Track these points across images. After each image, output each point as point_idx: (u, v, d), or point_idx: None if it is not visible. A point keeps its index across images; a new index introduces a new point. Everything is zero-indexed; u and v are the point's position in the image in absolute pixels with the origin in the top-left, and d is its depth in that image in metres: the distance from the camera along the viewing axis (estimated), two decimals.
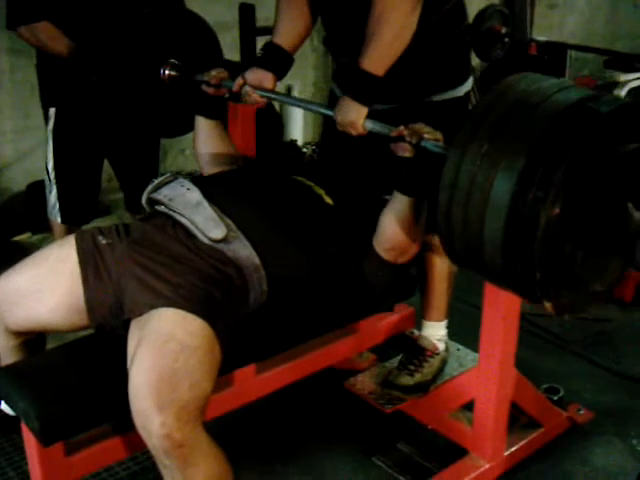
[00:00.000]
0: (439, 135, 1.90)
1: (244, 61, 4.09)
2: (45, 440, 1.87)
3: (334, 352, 2.41)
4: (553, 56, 5.01)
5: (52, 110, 2.99)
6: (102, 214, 3.85)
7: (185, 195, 2.09)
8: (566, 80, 1.62)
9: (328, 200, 2.21)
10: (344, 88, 2.21)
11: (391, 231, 2.05)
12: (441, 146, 1.86)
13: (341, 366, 2.69)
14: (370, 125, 2.09)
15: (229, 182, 2.28)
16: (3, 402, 2.38)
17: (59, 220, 3.09)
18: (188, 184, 2.13)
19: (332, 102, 2.38)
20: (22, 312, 2.09)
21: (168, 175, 2.18)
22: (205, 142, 2.47)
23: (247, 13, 4.02)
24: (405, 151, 1.94)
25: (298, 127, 4.96)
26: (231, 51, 4.21)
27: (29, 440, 1.95)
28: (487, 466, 2.38)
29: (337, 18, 2.34)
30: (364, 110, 2.10)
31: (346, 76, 2.25)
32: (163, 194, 2.11)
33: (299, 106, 2.24)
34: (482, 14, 4.60)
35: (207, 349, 1.83)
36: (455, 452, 2.43)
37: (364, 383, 2.57)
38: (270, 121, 2.50)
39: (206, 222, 2.01)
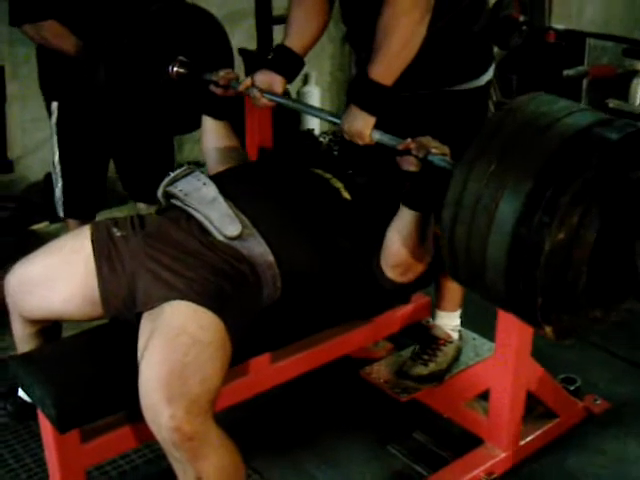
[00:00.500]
0: (446, 150, 1.87)
1: (260, 50, 4.08)
2: (61, 427, 1.88)
3: (350, 341, 2.41)
4: (571, 44, 4.96)
5: (55, 104, 2.96)
6: (118, 203, 3.85)
7: (201, 190, 2.08)
8: (577, 104, 1.58)
9: (346, 194, 2.19)
10: (352, 96, 2.17)
11: (397, 247, 1.99)
12: (448, 161, 1.82)
13: (357, 355, 2.69)
14: (377, 136, 2.05)
15: (245, 177, 2.27)
16: (20, 389, 2.40)
17: (62, 214, 3.08)
18: (204, 178, 2.12)
19: None
20: (36, 301, 2.10)
21: (185, 168, 2.17)
22: (212, 142, 2.45)
23: (263, 1, 4.01)
24: (411, 165, 1.91)
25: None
26: (248, 40, 4.23)
27: (45, 427, 1.96)
28: (502, 455, 2.37)
29: (357, 14, 2.32)
30: (372, 120, 2.07)
31: (354, 84, 2.22)
32: (179, 188, 2.10)
33: (308, 113, 2.18)
34: (500, 2, 4.56)
35: (218, 344, 1.82)
36: (470, 441, 2.43)
37: (380, 372, 2.57)
38: (287, 111, 2.47)
39: (221, 219, 2.01)
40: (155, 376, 1.74)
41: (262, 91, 2.31)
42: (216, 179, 2.13)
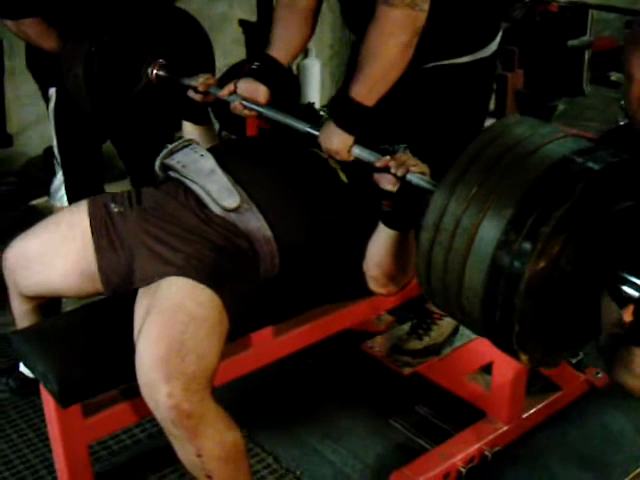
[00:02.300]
0: (425, 169, 1.81)
1: (260, 22, 4.06)
2: (63, 402, 1.88)
3: (351, 314, 2.40)
4: (574, 17, 4.92)
5: (52, 90, 2.91)
6: (117, 178, 3.83)
7: (199, 162, 2.05)
8: (561, 130, 1.54)
9: (342, 176, 2.15)
10: (332, 112, 2.10)
11: (376, 261, 1.98)
12: (427, 180, 1.77)
13: (359, 328, 2.68)
14: (357, 151, 1.99)
15: (244, 151, 2.25)
16: (22, 364, 2.41)
17: (64, 204, 3.02)
18: (202, 151, 2.10)
19: (354, 58, 2.34)
20: (33, 277, 2.09)
21: (182, 140, 2.14)
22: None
23: None
24: (389, 184, 1.87)
25: (315, 89, 4.91)
26: (248, 12, 4.20)
27: (48, 402, 1.96)
28: (505, 428, 2.38)
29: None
30: (350, 139, 1.99)
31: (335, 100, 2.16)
32: (176, 160, 2.08)
33: (288, 124, 2.12)
34: None
35: (215, 320, 1.81)
36: (473, 414, 2.43)
37: (382, 345, 2.57)
38: (286, 83, 2.43)
39: (220, 191, 1.98)
40: (152, 354, 1.73)
41: (245, 99, 2.24)
42: (214, 152, 2.11)
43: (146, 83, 2.50)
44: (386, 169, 1.85)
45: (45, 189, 3.87)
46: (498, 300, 1.42)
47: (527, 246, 1.37)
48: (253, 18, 4.22)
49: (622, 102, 3.98)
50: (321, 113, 4.78)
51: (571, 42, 4.17)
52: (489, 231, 1.41)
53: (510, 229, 1.39)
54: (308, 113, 4.68)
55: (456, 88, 2.27)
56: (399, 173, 1.81)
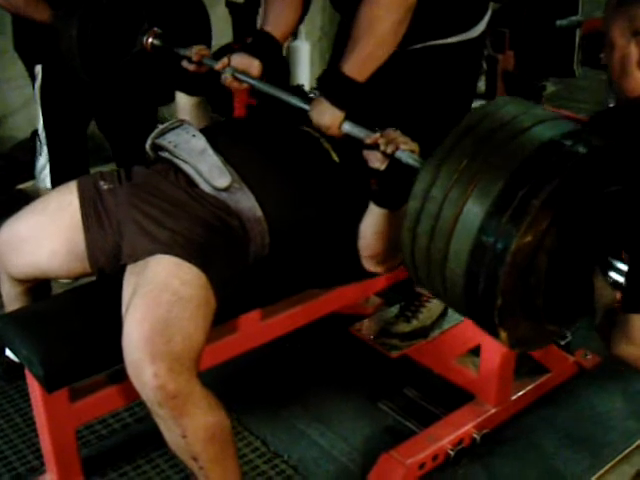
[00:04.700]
0: (415, 146, 1.81)
1: (248, 3, 4.01)
2: (49, 386, 1.87)
3: (339, 297, 2.39)
4: None
5: (38, 67, 2.88)
6: (105, 161, 3.81)
7: (190, 142, 2.05)
8: (552, 112, 1.55)
9: (334, 156, 2.14)
10: (322, 88, 2.11)
11: (369, 241, 1.99)
12: (416, 158, 1.77)
13: (347, 311, 2.67)
14: (347, 128, 2.00)
15: (235, 131, 2.24)
16: (7, 349, 2.39)
17: (47, 185, 3.00)
18: (194, 131, 2.09)
19: (341, 37, 2.34)
20: (23, 258, 2.08)
21: (174, 121, 2.13)
22: (186, 117, 2.36)
23: None
24: (377, 161, 1.86)
25: (305, 71, 4.88)
26: None
27: (33, 387, 1.95)
28: (493, 411, 2.38)
29: None
30: (341, 115, 2.01)
31: (325, 77, 2.20)
32: (168, 140, 2.07)
33: (279, 97, 2.14)
34: None
35: (202, 300, 1.80)
36: (461, 397, 2.43)
37: (370, 328, 2.57)
38: (276, 65, 2.42)
39: (210, 170, 1.98)
40: (138, 334, 1.73)
41: (237, 71, 2.25)
42: (206, 132, 2.10)
43: (140, 50, 2.50)
44: (376, 146, 1.85)
45: (33, 173, 3.86)
46: (482, 273, 1.41)
47: (516, 218, 1.37)
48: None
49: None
50: (310, 95, 4.77)
51: (560, 22, 4.14)
52: (478, 202, 1.41)
53: (499, 201, 1.39)
54: (297, 95, 4.67)
55: (443, 69, 2.27)
56: (388, 150, 1.81)
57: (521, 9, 4.38)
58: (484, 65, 3.12)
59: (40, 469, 2.22)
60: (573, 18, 4.20)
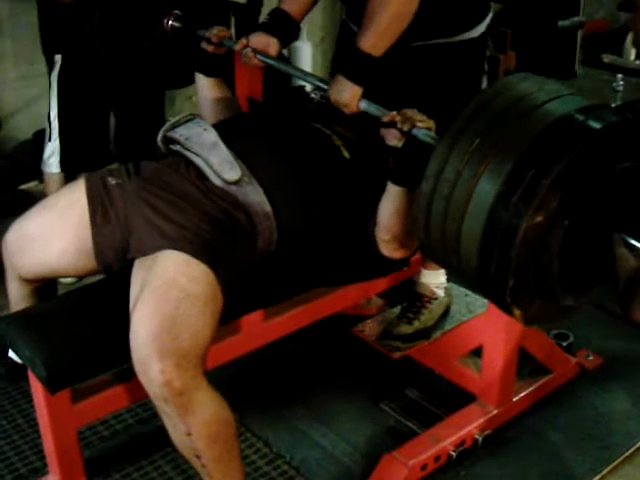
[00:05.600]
0: (432, 124, 1.82)
1: (250, 4, 4.02)
2: (52, 387, 1.87)
3: (342, 298, 2.39)
4: None
5: (58, 56, 2.94)
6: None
7: (202, 135, 2.06)
8: (565, 87, 1.55)
9: (345, 153, 2.15)
10: (340, 66, 2.14)
11: (387, 222, 1.97)
12: (432, 136, 1.78)
13: (349, 312, 2.67)
14: (364, 105, 2.02)
15: (247, 127, 2.24)
16: (10, 350, 2.39)
17: (56, 169, 3.05)
18: (205, 125, 2.10)
19: (344, 36, 2.37)
20: (32, 257, 2.09)
21: (186, 114, 2.15)
22: (206, 98, 2.41)
23: None
24: (394, 139, 1.87)
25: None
26: None
27: (36, 387, 1.95)
28: (495, 412, 2.38)
29: None
30: (359, 91, 2.03)
31: (345, 53, 2.20)
32: (179, 133, 2.08)
33: (297, 76, 2.18)
34: None
35: (209, 296, 1.81)
36: (463, 398, 2.43)
37: (372, 329, 2.56)
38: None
39: (221, 163, 1.99)
40: (145, 331, 1.73)
41: (255, 51, 2.28)
42: (218, 127, 2.11)
43: (161, 33, 2.52)
44: (392, 124, 1.86)
45: (35, 173, 3.86)
46: (495, 251, 1.43)
47: (526, 198, 1.38)
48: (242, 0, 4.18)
49: (614, 84, 3.97)
50: (312, 96, 4.77)
51: (561, 23, 4.14)
52: (489, 182, 1.42)
53: (510, 181, 1.40)
54: (299, 96, 4.67)
55: (444, 68, 2.28)
56: (405, 128, 1.82)
57: (522, 9, 4.37)
58: (485, 66, 3.11)
59: (42, 470, 2.22)
60: (575, 19, 4.20)
